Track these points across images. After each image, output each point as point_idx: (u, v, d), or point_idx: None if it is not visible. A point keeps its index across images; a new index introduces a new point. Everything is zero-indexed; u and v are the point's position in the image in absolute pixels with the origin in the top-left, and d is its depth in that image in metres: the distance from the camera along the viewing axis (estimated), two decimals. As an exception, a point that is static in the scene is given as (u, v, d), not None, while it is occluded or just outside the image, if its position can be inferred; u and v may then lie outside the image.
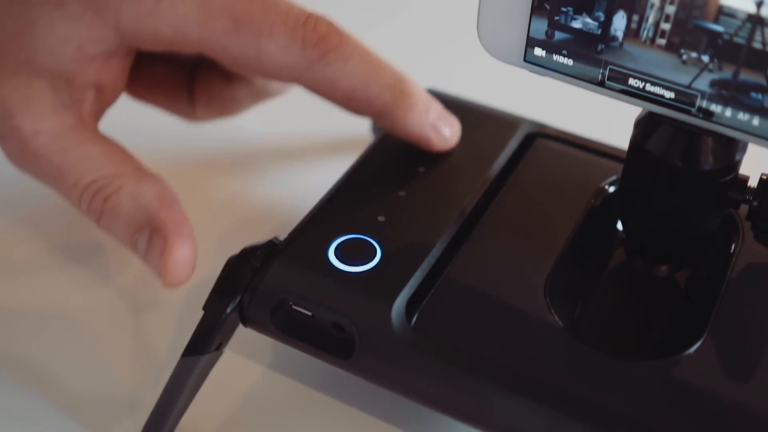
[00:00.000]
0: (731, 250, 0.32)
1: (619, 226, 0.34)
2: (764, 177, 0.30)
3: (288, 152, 0.45)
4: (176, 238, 0.30)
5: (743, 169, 0.30)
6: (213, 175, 0.44)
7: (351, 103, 0.33)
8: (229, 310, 0.31)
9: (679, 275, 0.33)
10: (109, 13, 0.31)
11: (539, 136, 0.37)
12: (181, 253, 0.30)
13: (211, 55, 0.32)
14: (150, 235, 0.30)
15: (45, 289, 0.38)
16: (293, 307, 0.30)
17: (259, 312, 0.31)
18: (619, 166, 0.33)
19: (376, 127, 0.41)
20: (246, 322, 0.31)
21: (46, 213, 0.41)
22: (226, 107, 0.37)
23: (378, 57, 0.33)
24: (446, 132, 0.34)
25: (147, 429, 0.32)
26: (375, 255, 0.31)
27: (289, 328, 0.31)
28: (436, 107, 0.34)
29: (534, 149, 0.36)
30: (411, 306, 0.30)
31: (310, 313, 0.30)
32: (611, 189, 0.34)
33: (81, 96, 0.32)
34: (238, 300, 0.31)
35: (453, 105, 0.37)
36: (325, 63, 0.32)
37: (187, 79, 0.37)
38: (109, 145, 0.32)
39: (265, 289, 0.30)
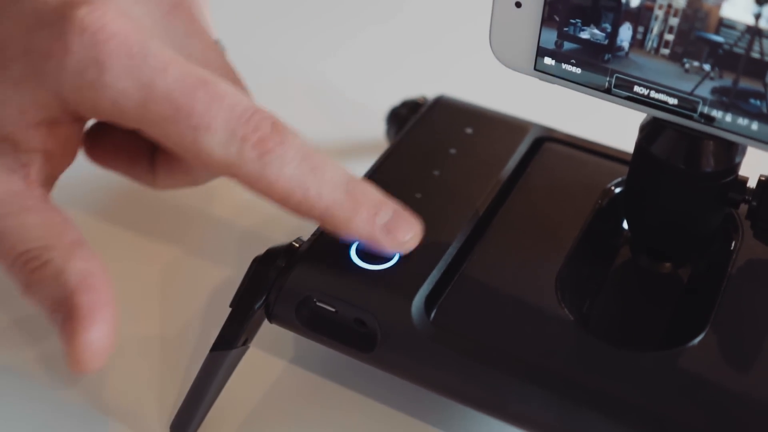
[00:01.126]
0: (731, 248, 0.33)
1: (625, 225, 0.35)
2: (763, 178, 0.32)
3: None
4: (87, 323, 0.29)
5: (743, 170, 0.32)
6: (226, 182, 0.45)
7: (289, 204, 0.31)
8: (256, 307, 0.32)
9: (682, 271, 0.35)
10: (50, 81, 0.30)
11: (548, 140, 0.38)
12: (89, 339, 0.28)
13: (150, 136, 0.31)
14: (64, 316, 0.29)
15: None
16: (317, 303, 0.32)
17: (284, 309, 0.32)
18: (625, 169, 0.35)
19: (391, 132, 0.43)
20: (272, 319, 0.33)
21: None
22: (188, 177, 0.36)
23: (322, 157, 0.32)
24: (401, 235, 0.32)
25: (177, 421, 0.33)
26: (394, 254, 0.32)
27: (314, 324, 0.32)
28: (389, 208, 0.32)
29: (543, 152, 0.38)
30: (429, 302, 0.31)
31: (333, 309, 0.32)
32: (617, 190, 0.36)
33: (28, 161, 0.31)
34: (264, 298, 0.32)
35: (464, 110, 0.39)
36: (263, 164, 0.31)
37: (148, 146, 0.36)
38: (51, 214, 0.31)
39: (290, 287, 0.32)
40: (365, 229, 0.32)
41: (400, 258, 0.32)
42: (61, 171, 0.33)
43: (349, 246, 0.33)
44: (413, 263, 0.32)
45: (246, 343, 0.33)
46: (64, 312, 0.29)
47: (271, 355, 0.37)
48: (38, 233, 0.30)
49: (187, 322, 0.38)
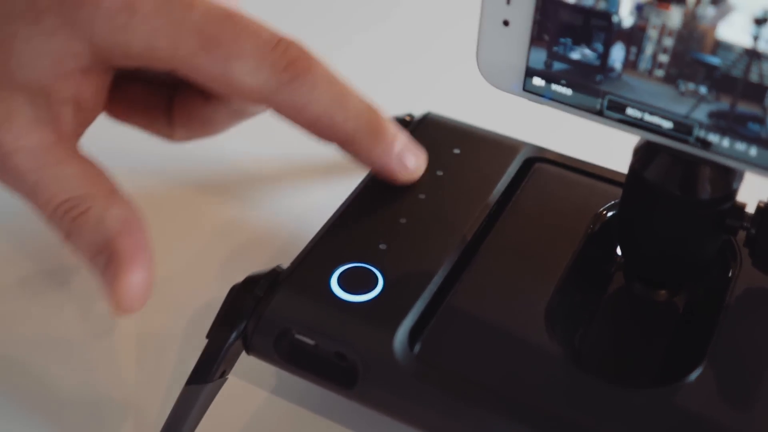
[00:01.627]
0: (729, 275, 0.32)
1: (618, 251, 0.34)
2: (762, 205, 0.31)
3: (285, 174, 0.45)
4: (129, 266, 0.30)
5: (740, 196, 0.31)
6: (212, 199, 0.44)
7: (315, 129, 0.33)
8: (232, 338, 0.31)
9: (678, 299, 0.33)
10: (83, 28, 0.32)
11: (538, 160, 0.37)
12: (131, 281, 0.30)
13: (182, 72, 0.33)
14: (107, 259, 0.31)
15: (44, 313, 0.38)
16: (296, 336, 0.31)
17: (262, 341, 0.31)
18: (619, 191, 0.34)
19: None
20: (249, 351, 0.32)
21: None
22: (205, 127, 0.38)
23: (346, 85, 0.34)
24: (410, 163, 0.35)
25: (152, 457, 0.32)
26: (377, 284, 0.31)
27: (293, 357, 0.31)
28: (402, 138, 0.35)
29: (533, 174, 0.36)
30: (413, 335, 0.30)
31: (313, 343, 0.30)
32: (609, 214, 0.34)
33: (59, 112, 0.33)
34: (242, 328, 0.31)
35: (452, 129, 0.38)
36: (292, 88, 0.32)
37: (165, 99, 0.37)
38: (86, 165, 0.33)
39: (268, 318, 0.31)
40: (382, 157, 0.34)
41: (383, 288, 0.31)
42: (89, 123, 0.34)
43: (329, 275, 0.31)
44: (397, 293, 0.31)
45: (224, 375, 0.32)
46: (105, 256, 0.30)
47: (252, 384, 0.36)
48: (76, 183, 0.32)
49: (161, 353, 0.37)
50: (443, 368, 0.29)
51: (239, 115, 0.38)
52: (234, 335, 0.31)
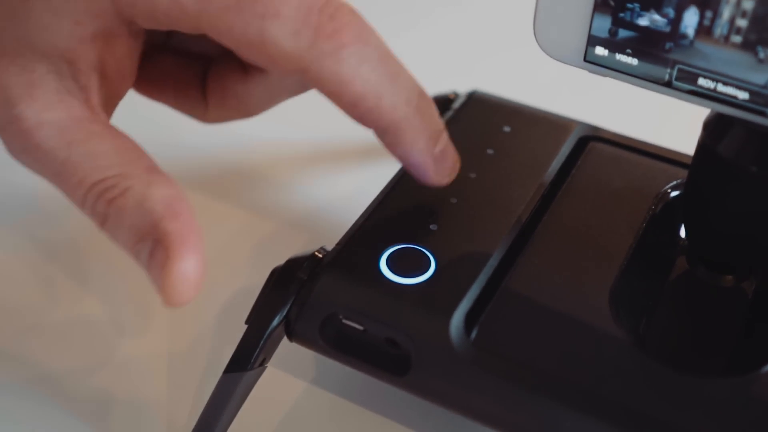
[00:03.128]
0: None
1: (682, 233, 0.32)
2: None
3: (322, 158, 0.44)
4: (180, 251, 0.26)
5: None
6: (247, 183, 0.42)
7: (357, 110, 0.29)
8: (274, 324, 0.29)
9: (746, 285, 0.31)
10: None
11: (593, 139, 0.35)
12: (183, 269, 0.26)
13: (212, 34, 0.29)
14: (152, 246, 0.27)
15: (72, 302, 0.37)
16: (344, 321, 0.29)
17: (307, 326, 0.29)
18: (676, 170, 0.32)
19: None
20: (292, 337, 0.30)
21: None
22: (241, 106, 0.34)
23: (399, 63, 0.29)
24: (449, 164, 0.31)
25: (188, 449, 0.30)
26: (429, 266, 0.29)
27: (340, 344, 0.29)
28: (446, 137, 0.31)
29: (588, 153, 0.34)
30: (470, 320, 0.28)
31: (361, 328, 0.29)
32: (674, 194, 0.32)
33: (87, 82, 0.29)
34: (284, 313, 0.29)
35: (500, 106, 0.36)
36: (338, 59, 0.28)
37: (199, 74, 0.34)
38: (121, 140, 0.29)
39: (313, 302, 0.29)
40: (422, 153, 0.30)
41: (435, 271, 0.29)
42: (121, 95, 0.31)
43: (378, 257, 0.29)
44: (451, 276, 0.29)
45: (263, 363, 0.30)
46: (150, 242, 0.27)
47: (291, 375, 0.34)
48: (112, 160, 0.28)
49: (198, 339, 0.35)
50: (502, 355, 0.27)
51: (279, 94, 0.34)
52: (276, 320, 0.29)
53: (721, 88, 0.27)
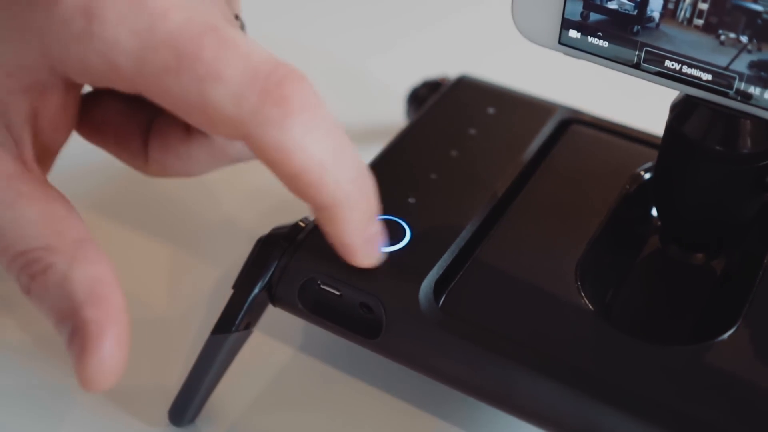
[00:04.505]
0: (768, 238, 0.31)
1: (654, 212, 0.33)
2: (805, 163, 0.30)
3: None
4: (97, 344, 0.25)
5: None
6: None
7: (297, 183, 0.27)
8: (257, 288, 0.31)
9: (716, 263, 0.32)
10: (34, 37, 0.27)
11: (574, 122, 0.36)
12: (99, 361, 0.25)
13: (150, 96, 0.27)
14: (71, 331, 0.26)
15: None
16: (321, 286, 0.30)
17: (287, 291, 0.31)
18: (655, 153, 0.33)
19: (411, 113, 0.41)
20: (274, 301, 0.31)
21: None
22: (181, 164, 0.32)
23: (345, 137, 0.27)
24: (375, 249, 0.29)
25: (175, 406, 0.32)
26: (404, 236, 0.31)
27: (317, 308, 0.31)
28: (378, 221, 0.29)
29: (569, 135, 0.36)
30: (439, 287, 0.29)
31: (338, 293, 0.30)
32: (647, 176, 0.33)
33: (19, 136, 0.27)
34: (267, 279, 0.31)
35: (486, 90, 0.37)
36: (282, 127, 0.26)
37: (143, 126, 0.31)
38: (51, 204, 0.27)
39: (293, 268, 0.30)
40: (356, 236, 0.28)
41: (410, 240, 0.30)
42: (58, 148, 0.29)
43: (357, 227, 0.31)
44: (424, 245, 0.30)
45: (249, 327, 0.32)
46: (70, 326, 0.26)
47: (279, 341, 0.36)
48: (38, 230, 0.26)
49: (192, 306, 0.37)
50: (468, 319, 0.28)
51: (221, 158, 0.32)
52: (259, 285, 0.31)
53: (686, 69, 0.28)
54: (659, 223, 0.33)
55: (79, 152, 0.33)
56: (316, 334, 0.35)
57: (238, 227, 0.41)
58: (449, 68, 0.41)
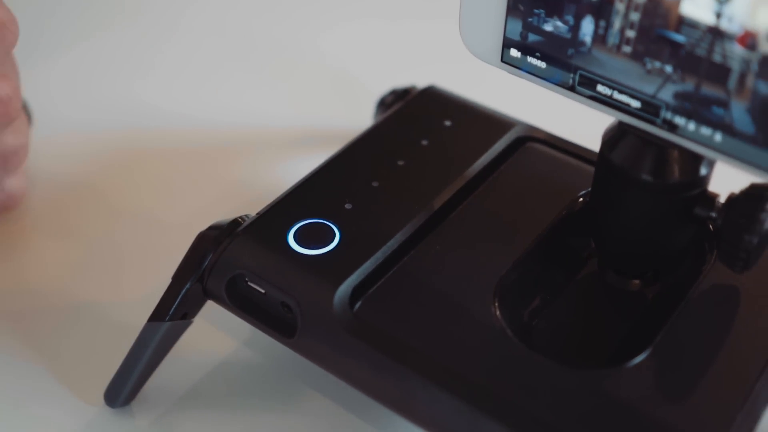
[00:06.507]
0: (701, 268, 0.31)
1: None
2: (733, 195, 0.29)
3: (297, 141, 0.46)
4: None
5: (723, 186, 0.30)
6: (225, 160, 0.45)
7: None
8: (191, 280, 0.32)
9: (649, 290, 0.32)
10: None
11: (530, 139, 0.36)
12: None
13: None
14: None
15: (30, 261, 0.40)
16: (248, 283, 0.31)
17: (216, 285, 0.31)
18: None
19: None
20: (206, 294, 0.32)
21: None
22: None
23: None
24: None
25: (110, 388, 0.33)
26: (333, 240, 0.31)
27: (242, 303, 0.31)
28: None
29: (522, 152, 0.36)
30: (357, 293, 0.30)
31: (263, 291, 0.31)
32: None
33: None
34: (201, 271, 0.32)
35: (449, 102, 0.37)
36: None
37: None
38: None
39: (223, 262, 0.31)
40: None
41: (337, 245, 0.31)
42: None
43: (289, 227, 0.32)
44: (349, 251, 0.31)
45: (186, 317, 0.33)
46: None
47: (225, 334, 0.36)
48: None
49: (150, 294, 0.38)
50: (379, 328, 0.29)
51: None
52: (192, 278, 0.32)
53: (616, 95, 0.28)
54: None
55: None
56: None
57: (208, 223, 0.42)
58: (441, 76, 0.41)
